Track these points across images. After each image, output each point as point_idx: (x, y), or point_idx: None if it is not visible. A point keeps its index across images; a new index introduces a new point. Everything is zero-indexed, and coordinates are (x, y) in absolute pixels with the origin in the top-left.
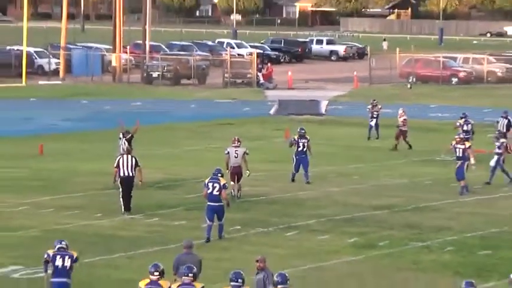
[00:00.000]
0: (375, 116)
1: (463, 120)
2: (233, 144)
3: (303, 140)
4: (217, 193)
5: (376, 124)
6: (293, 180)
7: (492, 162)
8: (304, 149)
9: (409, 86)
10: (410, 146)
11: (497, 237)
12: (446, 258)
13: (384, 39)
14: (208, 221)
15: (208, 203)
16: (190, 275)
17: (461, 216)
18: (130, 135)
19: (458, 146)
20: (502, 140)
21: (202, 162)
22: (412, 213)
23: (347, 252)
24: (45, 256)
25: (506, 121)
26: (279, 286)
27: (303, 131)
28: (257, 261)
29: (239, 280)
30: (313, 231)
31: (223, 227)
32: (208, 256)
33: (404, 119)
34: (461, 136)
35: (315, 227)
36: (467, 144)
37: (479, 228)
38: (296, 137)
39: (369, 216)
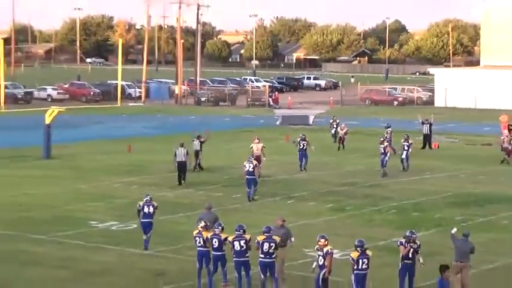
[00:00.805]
0: (334, 126)
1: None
2: (255, 142)
3: (303, 142)
4: (252, 170)
5: (336, 132)
6: (301, 169)
7: (403, 155)
8: (304, 148)
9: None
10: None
11: (424, 203)
12: (390, 217)
13: (352, 76)
14: (247, 189)
15: (246, 177)
16: (241, 230)
17: (399, 190)
18: (203, 139)
19: (381, 145)
20: (410, 141)
21: (233, 155)
22: (368, 188)
23: (326, 213)
24: (138, 206)
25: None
26: (358, 248)
27: (304, 136)
28: (283, 220)
29: (241, 230)
30: (304, 200)
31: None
32: (239, 215)
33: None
34: (382, 139)
35: (306, 197)
36: (385, 143)
37: (412, 197)
38: (299, 139)
39: (340, 190)
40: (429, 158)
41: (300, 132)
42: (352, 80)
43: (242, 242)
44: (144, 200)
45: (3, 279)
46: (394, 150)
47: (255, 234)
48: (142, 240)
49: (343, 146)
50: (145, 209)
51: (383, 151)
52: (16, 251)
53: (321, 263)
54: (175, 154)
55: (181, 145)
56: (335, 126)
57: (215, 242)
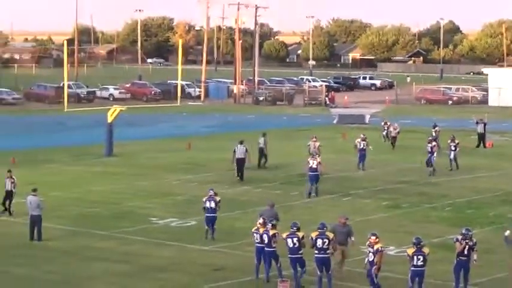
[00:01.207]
0: (385, 128)
1: (435, 126)
2: (312, 140)
3: (363, 142)
4: (316, 167)
5: (387, 133)
6: (359, 168)
7: (451, 156)
8: (364, 147)
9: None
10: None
11: (478, 201)
12: (445, 215)
13: (408, 76)
14: (309, 184)
15: (309, 173)
16: (295, 228)
17: (454, 188)
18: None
19: (429, 144)
20: (457, 141)
21: (291, 154)
22: (422, 186)
23: (382, 210)
24: (203, 202)
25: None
26: (414, 245)
27: (364, 136)
28: (346, 218)
29: (295, 227)
30: (360, 197)
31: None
32: (296, 212)
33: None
34: (430, 138)
35: (362, 194)
36: (434, 143)
37: (467, 195)
38: (359, 140)
39: (396, 188)
40: (483, 156)
41: (356, 131)
42: (408, 79)
43: (295, 240)
44: (208, 195)
45: (67, 274)
46: (439, 146)
47: (312, 232)
48: (204, 231)
49: (393, 145)
50: (208, 204)
51: (430, 150)
52: (80, 246)
53: (370, 259)
54: (235, 151)
55: (241, 142)
56: (386, 128)
57: (265, 237)
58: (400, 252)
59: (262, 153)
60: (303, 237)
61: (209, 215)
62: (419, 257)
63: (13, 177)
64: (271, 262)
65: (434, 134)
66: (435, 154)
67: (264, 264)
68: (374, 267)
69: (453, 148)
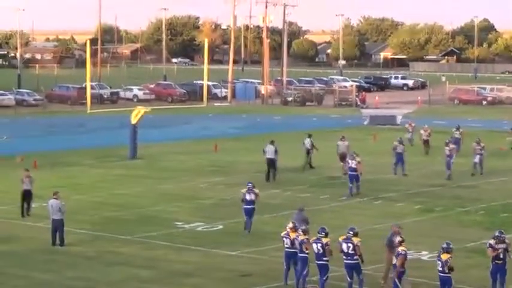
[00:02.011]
0: (410, 130)
1: (457, 128)
2: (341, 140)
3: (401, 146)
4: (355, 166)
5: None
6: (395, 173)
7: (476, 159)
8: (401, 151)
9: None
10: None
11: None
12: (479, 218)
13: (442, 75)
14: (349, 184)
15: (349, 173)
16: (323, 233)
17: (488, 191)
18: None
19: (446, 147)
20: (482, 143)
21: (321, 155)
22: (456, 189)
23: (414, 214)
24: (242, 194)
25: None
26: (445, 252)
27: (401, 139)
28: (399, 227)
29: (323, 232)
30: (392, 201)
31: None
32: (326, 215)
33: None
34: (447, 141)
35: (393, 198)
36: (451, 145)
37: (501, 198)
38: (396, 143)
39: (429, 191)
40: None
41: (387, 132)
42: (443, 78)
43: (319, 246)
44: (247, 187)
45: (89, 279)
46: (457, 150)
47: (342, 236)
48: (244, 222)
49: (427, 150)
50: (247, 196)
51: (448, 153)
52: (103, 251)
53: (393, 262)
54: (264, 151)
55: (271, 142)
56: (410, 130)
57: (296, 242)
58: (433, 257)
59: (308, 154)
60: (326, 243)
61: (247, 206)
62: (438, 262)
63: (31, 175)
64: (304, 267)
65: (456, 136)
66: (454, 157)
67: (294, 270)
68: (394, 271)
69: (479, 151)
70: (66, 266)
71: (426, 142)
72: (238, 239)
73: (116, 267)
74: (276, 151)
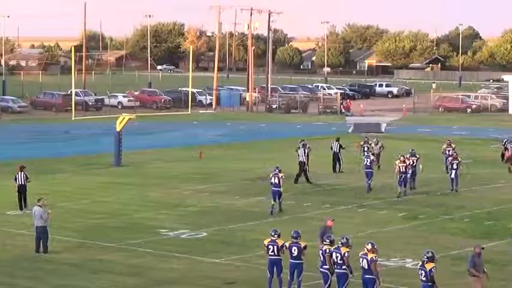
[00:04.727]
0: (364, 149)
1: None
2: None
3: (413, 158)
4: (369, 164)
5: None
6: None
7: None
8: (414, 164)
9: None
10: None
11: (497, 212)
12: (463, 226)
13: (433, 83)
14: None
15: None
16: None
17: (473, 198)
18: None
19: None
20: (460, 158)
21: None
22: (440, 197)
23: (398, 222)
24: (269, 178)
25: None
26: (430, 262)
27: (413, 151)
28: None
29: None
30: (376, 208)
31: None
32: (312, 222)
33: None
34: (402, 158)
35: (377, 205)
36: (407, 162)
37: (486, 206)
38: (408, 156)
39: (413, 199)
40: (503, 166)
41: (371, 140)
42: (434, 86)
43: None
44: (273, 171)
45: (73, 286)
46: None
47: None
48: (270, 206)
49: (378, 166)
50: (273, 180)
51: (404, 170)
52: (87, 258)
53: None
54: (298, 153)
55: (303, 145)
56: (365, 149)
57: (294, 250)
58: (417, 264)
59: (337, 158)
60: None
61: (274, 188)
62: (421, 272)
63: (25, 172)
64: (294, 274)
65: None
66: (409, 172)
67: (278, 278)
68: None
69: (455, 167)
70: (51, 274)
71: (378, 156)
72: (222, 246)
73: (101, 275)
74: (305, 153)
